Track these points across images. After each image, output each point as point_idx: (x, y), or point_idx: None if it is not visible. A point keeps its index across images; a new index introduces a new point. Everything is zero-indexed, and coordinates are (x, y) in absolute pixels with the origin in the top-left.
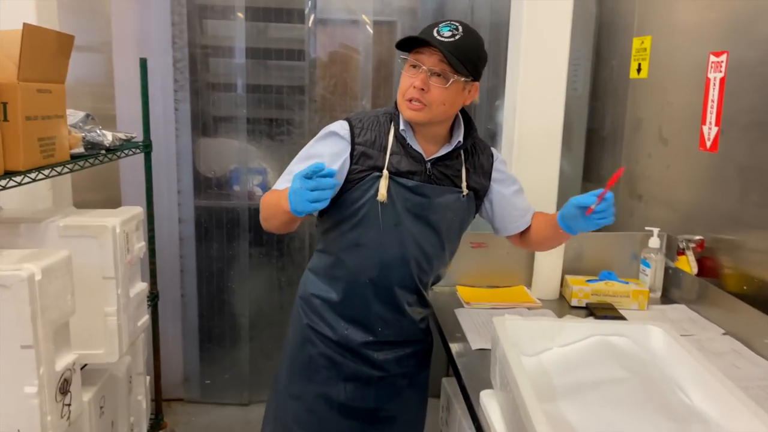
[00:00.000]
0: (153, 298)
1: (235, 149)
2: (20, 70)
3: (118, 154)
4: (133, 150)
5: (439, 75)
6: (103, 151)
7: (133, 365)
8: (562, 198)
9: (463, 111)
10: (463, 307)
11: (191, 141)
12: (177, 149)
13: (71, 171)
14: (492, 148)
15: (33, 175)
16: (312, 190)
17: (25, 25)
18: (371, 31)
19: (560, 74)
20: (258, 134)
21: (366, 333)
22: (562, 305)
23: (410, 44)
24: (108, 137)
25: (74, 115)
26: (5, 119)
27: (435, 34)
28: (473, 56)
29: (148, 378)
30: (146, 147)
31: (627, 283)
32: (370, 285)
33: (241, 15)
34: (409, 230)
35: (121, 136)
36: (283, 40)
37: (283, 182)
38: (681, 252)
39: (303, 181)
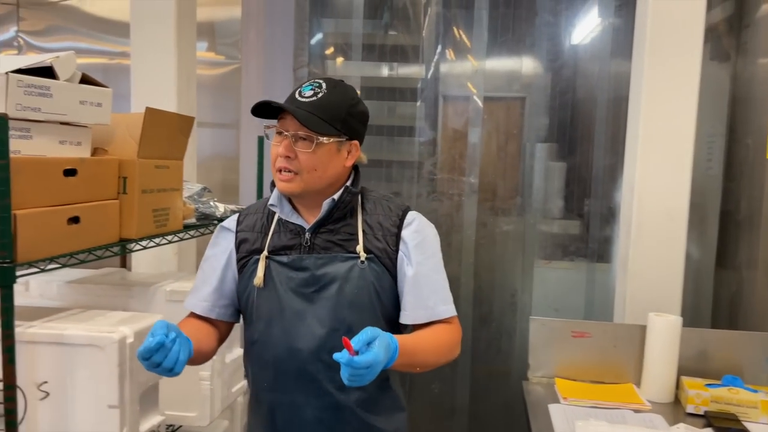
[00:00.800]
0: None
1: None
2: (140, 148)
3: None
4: None
5: (304, 139)
6: (215, 222)
7: (230, 429)
8: (691, 286)
9: (355, 168)
10: (559, 402)
11: None
12: None
13: (181, 240)
14: (413, 213)
15: (144, 243)
16: (157, 366)
17: (147, 108)
18: (481, 106)
19: (685, 152)
20: None
21: None
22: (676, 410)
23: (271, 111)
24: (220, 209)
25: (192, 188)
26: (124, 192)
27: (296, 95)
28: (340, 113)
29: None
30: None
31: (756, 391)
32: (269, 393)
33: (358, 93)
34: (297, 315)
35: (233, 207)
36: (395, 117)
37: (191, 299)
38: None
39: (144, 363)
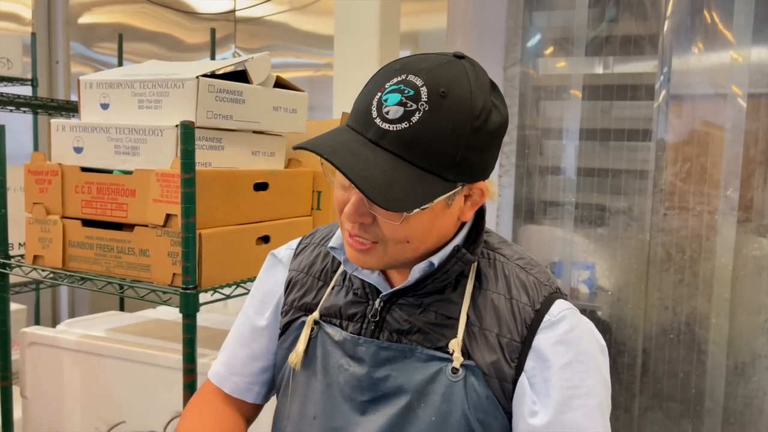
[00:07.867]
0: None
1: (559, 239)
2: None
3: None
4: None
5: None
6: None
7: None
8: None
9: (478, 211)
10: None
11: (512, 227)
12: None
13: None
14: (563, 303)
15: None
16: None
17: (344, 113)
18: (744, 105)
19: None
20: (587, 223)
21: None
22: None
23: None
24: None
25: None
26: (318, 207)
27: (373, 114)
28: (454, 150)
29: None
30: None
31: None
32: None
33: (577, 94)
34: (339, 430)
35: None
36: (625, 120)
37: (217, 365)
38: None
39: None
